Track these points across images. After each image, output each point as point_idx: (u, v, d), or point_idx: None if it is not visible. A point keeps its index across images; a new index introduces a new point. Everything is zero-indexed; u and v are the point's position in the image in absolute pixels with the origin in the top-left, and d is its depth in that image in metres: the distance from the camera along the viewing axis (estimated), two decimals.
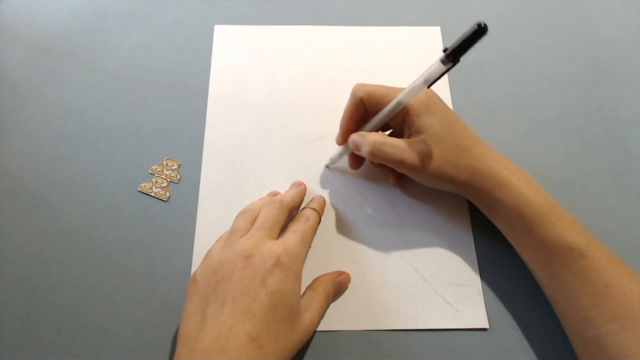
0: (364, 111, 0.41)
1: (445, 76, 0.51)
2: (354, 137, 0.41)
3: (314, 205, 0.42)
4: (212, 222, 0.43)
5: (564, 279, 0.36)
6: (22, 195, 0.44)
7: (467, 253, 0.43)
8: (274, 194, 0.44)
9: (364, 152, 0.40)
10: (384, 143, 0.39)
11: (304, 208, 0.42)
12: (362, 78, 0.51)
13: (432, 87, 0.39)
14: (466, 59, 0.52)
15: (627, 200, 0.46)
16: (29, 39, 0.52)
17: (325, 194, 0.45)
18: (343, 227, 0.44)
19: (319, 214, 0.42)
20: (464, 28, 0.56)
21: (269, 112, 0.49)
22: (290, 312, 0.35)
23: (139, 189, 0.45)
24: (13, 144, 0.46)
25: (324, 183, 0.45)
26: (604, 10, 0.56)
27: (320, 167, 0.46)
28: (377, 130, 0.42)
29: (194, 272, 0.37)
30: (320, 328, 0.39)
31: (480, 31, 0.32)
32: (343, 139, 0.43)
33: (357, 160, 0.44)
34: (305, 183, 0.45)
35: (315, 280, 0.40)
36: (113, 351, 0.38)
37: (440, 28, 0.54)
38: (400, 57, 0.52)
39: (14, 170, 0.45)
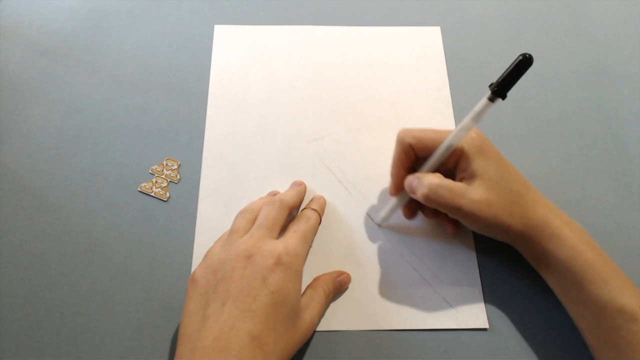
0: (414, 157, 0.40)
1: (445, 76, 0.51)
2: (410, 178, 0.39)
3: (314, 205, 0.42)
4: (212, 222, 0.43)
5: (613, 342, 0.34)
6: (22, 195, 0.44)
7: (467, 253, 0.43)
8: (274, 194, 0.44)
9: (419, 194, 0.37)
10: (441, 186, 0.37)
11: (304, 208, 0.42)
12: (362, 78, 0.51)
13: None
14: (466, 59, 0.53)
15: (627, 200, 0.46)
16: (29, 39, 0.52)
17: (325, 193, 0.45)
18: (343, 227, 0.44)
19: (320, 214, 0.42)
20: (464, 28, 0.56)
21: (269, 112, 0.49)
22: (291, 311, 0.35)
23: (139, 189, 0.45)
24: (13, 144, 0.46)
25: (323, 183, 0.45)
26: (604, 10, 0.56)
27: (321, 167, 0.46)
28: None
29: (194, 272, 0.37)
30: (320, 328, 0.39)
31: (525, 62, 0.30)
32: (396, 188, 0.41)
33: (411, 208, 0.42)
34: (305, 183, 0.45)
35: (316, 279, 0.40)
36: (113, 351, 0.38)
37: (440, 28, 0.54)
38: (400, 57, 0.52)
39: (14, 170, 0.45)
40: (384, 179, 0.46)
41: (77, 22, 0.53)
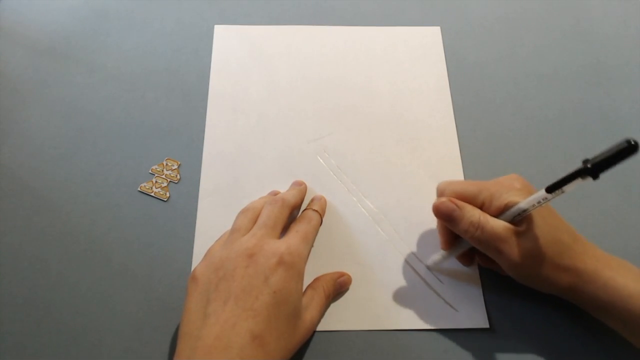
0: None
1: (445, 76, 0.51)
2: (447, 206, 0.36)
3: (315, 206, 0.42)
4: (212, 222, 0.43)
5: None
6: (22, 195, 0.44)
7: None
8: (275, 193, 0.44)
9: (461, 230, 0.36)
10: (485, 226, 0.35)
11: (305, 209, 0.42)
12: (362, 78, 0.51)
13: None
14: (466, 59, 0.53)
15: (627, 201, 0.46)
16: (29, 39, 0.52)
17: (325, 193, 0.45)
18: (343, 227, 0.44)
19: (321, 215, 0.42)
20: (464, 28, 0.56)
21: (269, 112, 0.49)
22: (292, 310, 0.35)
23: (139, 189, 0.45)
24: (13, 144, 0.46)
25: (323, 183, 0.45)
26: (604, 10, 0.56)
27: (321, 167, 0.46)
28: None
29: (194, 270, 0.37)
30: (320, 328, 0.39)
31: (629, 149, 0.28)
32: (446, 244, 0.39)
33: (468, 257, 0.40)
34: (305, 183, 0.45)
35: (316, 280, 0.40)
36: (113, 351, 0.38)
37: (440, 28, 0.54)
38: (400, 57, 0.52)
39: (14, 170, 0.45)
40: (384, 179, 0.46)
41: (77, 22, 0.53)
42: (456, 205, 0.36)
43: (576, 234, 0.37)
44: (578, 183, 0.31)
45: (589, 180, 0.31)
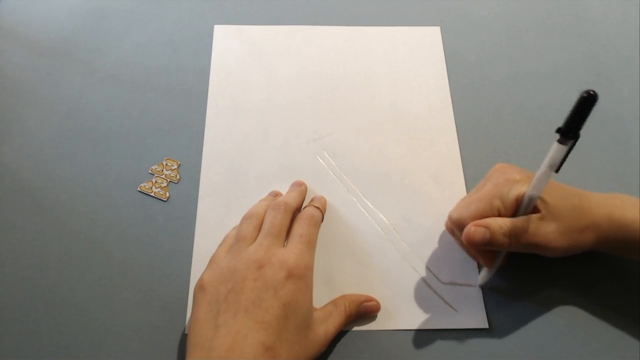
0: None
1: (445, 76, 0.51)
2: (480, 233, 0.36)
3: (316, 203, 0.42)
4: (212, 222, 0.43)
5: None
6: (22, 195, 0.44)
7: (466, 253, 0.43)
8: (275, 194, 0.44)
9: (501, 244, 0.36)
10: (515, 230, 0.36)
11: (306, 206, 0.42)
12: (362, 78, 0.51)
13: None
14: (466, 59, 0.53)
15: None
16: (29, 39, 0.52)
17: (325, 193, 0.45)
18: (343, 227, 0.44)
19: (322, 212, 0.42)
20: (464, 28, 0.56)
21: (269, 112, 0.49)
22: (302, 322, 0.35)
23: (138, 189, 0.45)
24: (13, 144, 0.46)
25: (323, 183, 0.45)
26: (604, 10, 0.56)
27: (321, 167, 0.46)
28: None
29: (201, 278, 0.36)
30: None
31: (589, 99, 0.30)
32: (489, 261, 0.39)
33: (490, 258, 0.40)
34: (305, 183, 0.45)
35: (341, 297, 0.39)
36: (113, 351, 0.38)
37: (440, 28, 0.54)
38: (400, 57, 0.52)
39: (14, 170, 0.45)
40: (384, 179, 0.46)
41: (77, 22, 0.54)
42: (483, 225, 0.36)
43: (577, 191, 0.39)
44: (564, 150, 0.32)
45: (574, 142, 0.32)
